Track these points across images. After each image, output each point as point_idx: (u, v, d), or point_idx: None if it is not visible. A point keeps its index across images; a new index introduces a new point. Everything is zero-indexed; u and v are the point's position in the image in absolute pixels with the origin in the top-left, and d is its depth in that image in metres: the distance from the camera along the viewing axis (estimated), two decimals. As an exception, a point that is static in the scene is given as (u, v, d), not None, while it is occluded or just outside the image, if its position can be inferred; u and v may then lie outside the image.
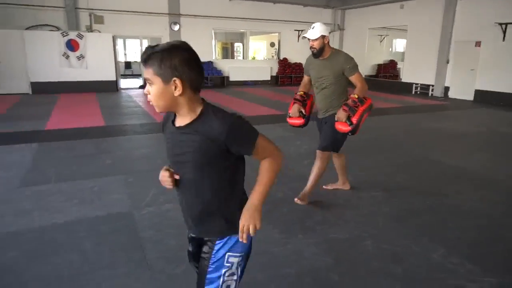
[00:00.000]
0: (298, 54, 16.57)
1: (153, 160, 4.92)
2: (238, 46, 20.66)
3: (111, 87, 12.79)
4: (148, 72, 1.18)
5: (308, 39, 3.27)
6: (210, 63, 15.30)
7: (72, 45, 12.12)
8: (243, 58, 18.99)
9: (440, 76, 13.22)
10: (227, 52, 21.02)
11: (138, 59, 16.16)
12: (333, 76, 3.30)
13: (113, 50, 12.84)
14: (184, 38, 14.54)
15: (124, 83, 14.66)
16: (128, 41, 18.82)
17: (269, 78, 16.90)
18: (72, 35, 12.08)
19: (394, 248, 2.75)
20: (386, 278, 2.39)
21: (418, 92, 14.08)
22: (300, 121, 3.47)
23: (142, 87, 14.09)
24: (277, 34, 17.20)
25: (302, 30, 16.49)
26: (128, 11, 13.22)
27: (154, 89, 1.20)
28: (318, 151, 3.47)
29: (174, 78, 1.17)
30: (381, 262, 2.57)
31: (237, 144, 1.24)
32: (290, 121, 3.52)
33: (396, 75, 17.65)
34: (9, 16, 11.67)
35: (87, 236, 2.90)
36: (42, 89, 11.73)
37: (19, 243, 2.79)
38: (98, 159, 4.99)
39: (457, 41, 12.52)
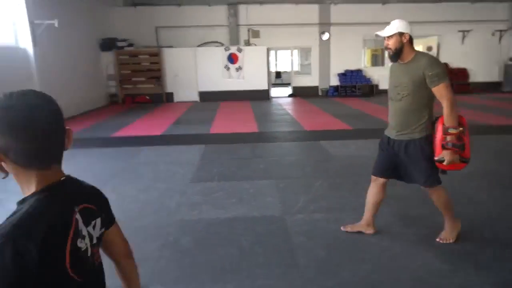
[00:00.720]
0: (463, 58, 14.71)
1: (302, 168, 5.07)
2: (389, 52, 19.49)
3: (263, 95, 13.82)
4: None
5: (384, 37, 2.70)
6: (359, 71, 14.93)
7: (232, 58, 13.66)
8: (394, 64, 17.82)
9: None
10: (376, 59, 20.05)
11: (288, 69, 16.98)
12: (412, 85, 2.59)
13: (266, 61, 13.88)
14: (333, 47, 14.64)
15: (274, 91, 15.61)
16: (279, 52, 19.99)
17: (424, 86, 15.38)
18: (233, 49, 13.61)
19: None
20: None
21: None
22: None
23: (291, 95, 14.77)
24: (435, 37, 15.54)
25: (468, 31, 14.51)
26: (281, 24, 14.05)
27: None
28: (428, 189, 2.80)
29: None
30: None
31: None
32: None
33: None
34: (184, 36, 13.94)
35: (244, 234, 3.17)
36: (207, 97, 13.58)
37: (192, 231, 3.25)
38: (253, 162, 5.42)
39: None
